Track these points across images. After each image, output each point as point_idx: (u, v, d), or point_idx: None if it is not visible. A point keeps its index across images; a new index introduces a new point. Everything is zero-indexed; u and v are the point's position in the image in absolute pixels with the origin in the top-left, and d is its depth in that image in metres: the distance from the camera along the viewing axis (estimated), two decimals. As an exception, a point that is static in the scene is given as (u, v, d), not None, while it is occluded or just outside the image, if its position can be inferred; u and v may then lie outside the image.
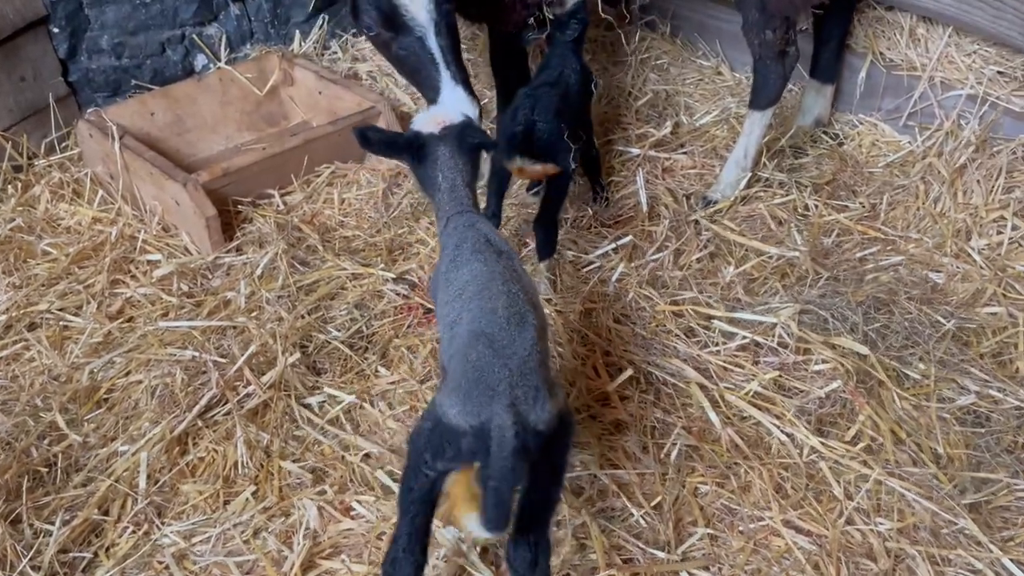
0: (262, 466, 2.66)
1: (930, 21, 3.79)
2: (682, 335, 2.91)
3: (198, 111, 4.08)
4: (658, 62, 4.64)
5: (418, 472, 1.95)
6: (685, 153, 3.95)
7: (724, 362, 2.79)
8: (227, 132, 4.16)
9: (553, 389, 1.94)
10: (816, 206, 3.53)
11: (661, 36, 4.75)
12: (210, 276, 3.42)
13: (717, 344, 2.88)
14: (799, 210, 3.54)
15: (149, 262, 3.44)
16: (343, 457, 2.67)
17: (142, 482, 2.55)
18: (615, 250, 3.35)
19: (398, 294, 3.27)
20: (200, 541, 2.43)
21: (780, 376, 2.71)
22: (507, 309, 2.02)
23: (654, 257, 3.30)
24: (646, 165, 3.82)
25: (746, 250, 3.30)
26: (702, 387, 2.70)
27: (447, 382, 1.99)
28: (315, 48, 4.62)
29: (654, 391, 2.73)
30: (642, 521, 2.40)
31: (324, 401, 2.88)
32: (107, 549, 2.43)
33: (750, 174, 3.61)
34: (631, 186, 3.73)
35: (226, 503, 2.57)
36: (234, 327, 3.12)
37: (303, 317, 3.16)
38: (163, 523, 2.49)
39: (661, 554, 2.30)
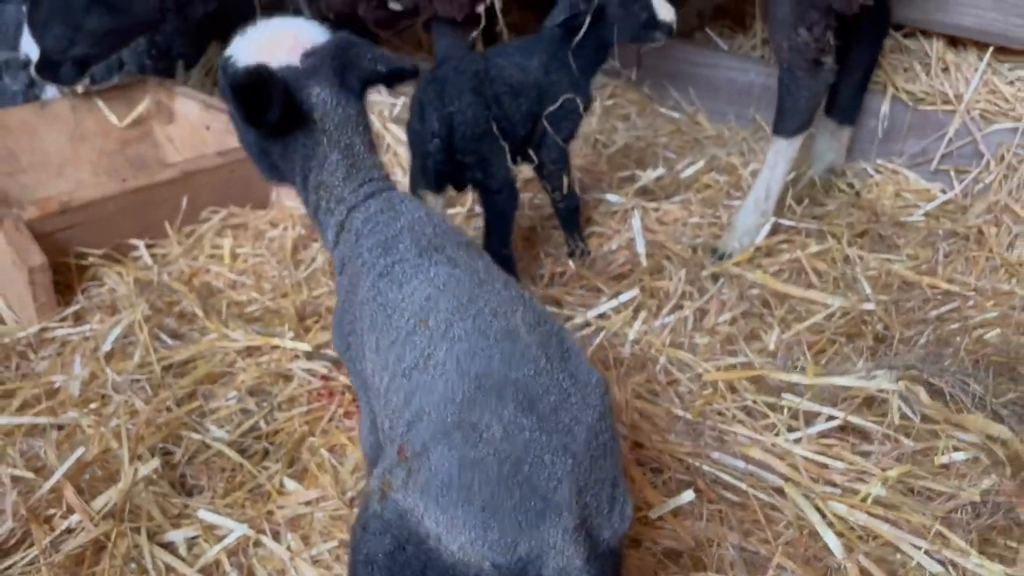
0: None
1: (959, 45, 3.20)
2: (743, 416, 2.00)
3: (40, 146, 3.05)
4: (623, 111, 3.92)
5: None
6: (678, 202, 3.14)
7: (814, 455, 1.88)
8: (78, 176, 3.12)
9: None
10: (860, 257, 2.75)
11: (626, 82, 4.05)
12: (32, 355, 2.32)
13: (795, 429, 1.97)
14: (839, 262, 2.75)
15: (-64, 334, 2.33)
16: (226, 632, 1.59)
17: None
18: (617, 310, 2.45)
19: (314, 375, 2.26)
20: None
21: (911, 471, 1.81)
22: (534, 330, 1.11)
23: (668, 319, 2.42)
24: (634, 215, 2.99)
25: (792, 305, 2.46)
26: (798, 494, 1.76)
27: (419, 467, 1.05)
28: (201, 79, 3.69)
29: (725, 503, 1.78)
30: None
31: (196, 537, 1.80)
32: None
33: (773, 219, 2.82)
34: (619, 237, 2.88)
35: None
36: (59, 426, 2.03)
37: (168, 410, 2.10)
38: None
39: None
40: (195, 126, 3.24)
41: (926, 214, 3.07)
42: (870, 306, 2.32)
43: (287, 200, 2.99)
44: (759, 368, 2.08)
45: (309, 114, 1.39)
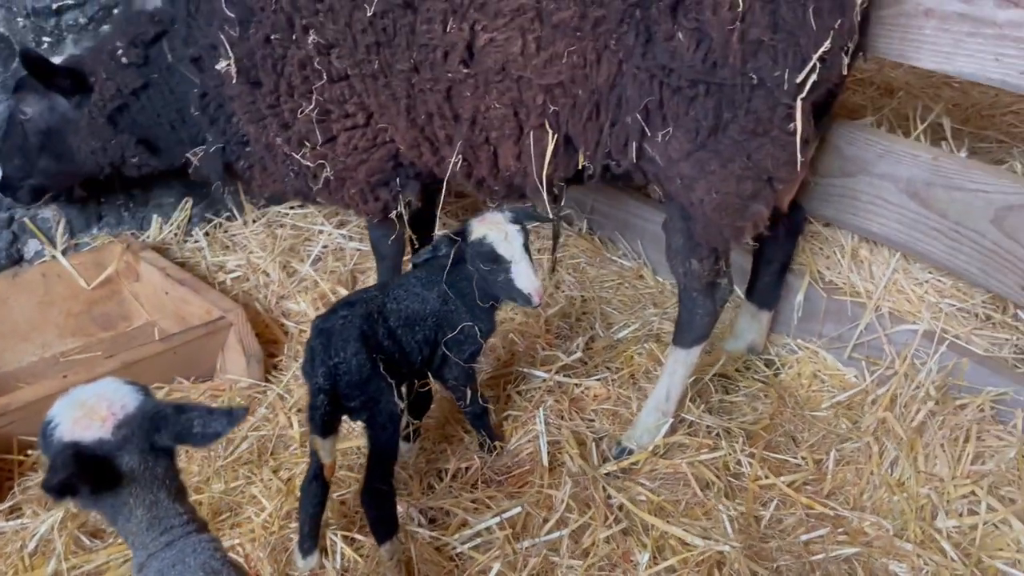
0: None
1: (874, 243, 3.31)
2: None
3: (8, 315, 3.35)
4: (574, 261, 4.10)
5: None
6: (599, 380, 3.31)
7: None
8: (45, 339, 3.41)
9: None
10: (750, 463, 2.88)
11: (578, 233, 4.23)
12: (-32, 549, 2.59)
13: None
14: (731, 467, 2.89)
15: None
16: None
17: None
18: (500, 525, 2.63)
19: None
20: None
21: None
22: None
23: (549, 536, 2.59)
24: (548, 398, 3.16)
25: (663, 532, 2.61)
26: None
27: None
28: (175, 235, 3.96)
29: None
30: None
31: None
32: None
33: (672, 419, 2.97)
34: (531, 424, 3.06)
35: None
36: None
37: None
38: None
39: None
40: (156, 289, 3.51)
41: (834, 404, 3.19)
42: (725, 548, 2.47)
43: (230, 374, 3.23)
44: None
45: (118, 481, 1.58)
